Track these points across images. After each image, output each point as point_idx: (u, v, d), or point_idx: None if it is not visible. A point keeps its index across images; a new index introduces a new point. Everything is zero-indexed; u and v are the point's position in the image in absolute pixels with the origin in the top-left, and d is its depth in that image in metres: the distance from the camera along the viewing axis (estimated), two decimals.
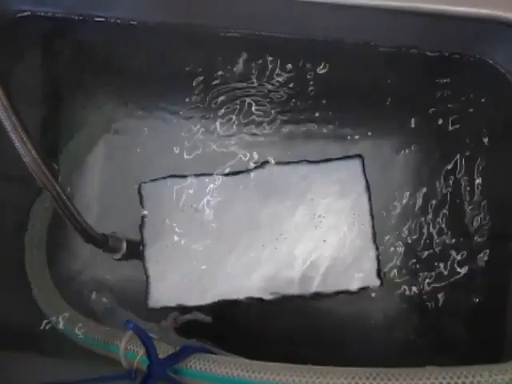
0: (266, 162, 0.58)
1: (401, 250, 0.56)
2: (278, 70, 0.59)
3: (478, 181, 0.56)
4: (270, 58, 0.59)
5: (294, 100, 0.59)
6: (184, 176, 0.58)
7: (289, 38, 0.56)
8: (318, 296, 0.55)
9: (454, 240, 0.55)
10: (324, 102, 0.59)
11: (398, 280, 0.55)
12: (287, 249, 0.56)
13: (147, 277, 0.57)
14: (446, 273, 0.55)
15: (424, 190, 0.57)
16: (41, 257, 0.59)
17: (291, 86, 0.59)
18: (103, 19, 0.57)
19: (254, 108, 0.59)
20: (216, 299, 0.55)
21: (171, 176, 0.59)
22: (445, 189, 0.56)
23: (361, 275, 0.55)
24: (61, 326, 0.54)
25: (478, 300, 0.54)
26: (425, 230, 0.56)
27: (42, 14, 0.58)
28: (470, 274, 0.55)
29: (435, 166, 0.57)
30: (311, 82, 0.59)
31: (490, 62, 0.54)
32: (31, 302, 0.56)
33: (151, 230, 0.58)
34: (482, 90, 0.57)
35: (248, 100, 0.59)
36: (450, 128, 0.57)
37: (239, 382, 0.40)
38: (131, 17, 0.57)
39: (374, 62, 0.57)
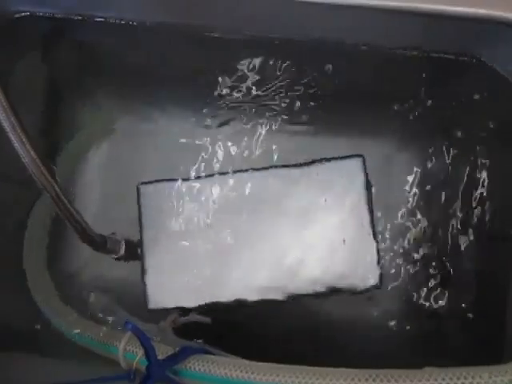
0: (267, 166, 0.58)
1: (401, 250, 0.56)
2: (277, 71, 0.59)
3: (478, 181, 0.55)
4: (270, 59, 0.59)
5: (294, 100, 0.59)
6: (184, 177, 0.58)
7: (289, 38, 0.56)
8: (317, 296, 0.55)
9: (454, 240, 0.55)
10: (325, 102, 0.59)
11: (397, 280, 0.55)
12: (287, 249, 0.56)
13: (146, 278, 0.57)
14: (445, 273, 0.55)
15: (424, 190, 0.57)
16: (40, 257, 0.59)
17: (291, 86, 0.59)
18: (103, 19, 0.57)
19: (254, 108, 0.59)
20: (215, 300, 0.55)
21: (171, 177, 0.59)
22: (445, 189, 0.56)
23: (361, 275, 0.55)
24: (60, 326, 0.54)
25: (477, 301, 0.54)
26: (425, 230, 0.56)
27: (42, 14, 0.58)
28: (470, 274, 0.55)
29: (435, 166, 0.57)
30: (312, 83, 0.59)
31: (490, 62, 0.54)
32: (31, 302, 0.56)
33: (150, 231, 0.58)
34: (481, 91, 0.57)
35: (248, 100, 0.59)
36: (450, 128, 0.57)
37: (238, 382, 0.40)
38: (131, 17, 0.57)
39: (374, 62, 0.57)
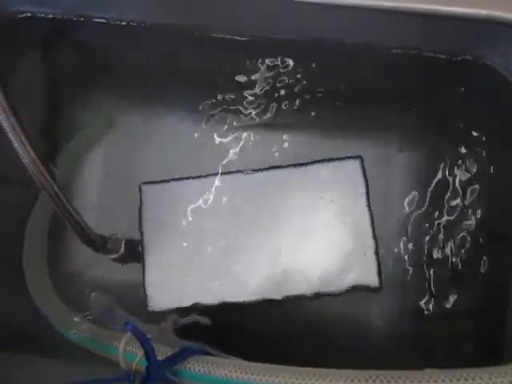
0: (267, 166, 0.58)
1: (400, 250, 0.56)
2: (277, 71, 0.59)
3: (479, 181, 0.55)
4: (270, 59, 0.59)
5: (293, 100, 0.59)
6: (184, 177, 0.58)
7: (289, 38, 0.56)
8: (317, 296, 0.55)
9: (454, 240, 0.55)
10: (324, 102, 0.59)
11: (397, 280, 0.55)
12: (287, 249, 0.56)
13: (146, 278, 0.57)
14: (445, 273, 0.55)
15: (424, 190, 0.57)
16: (40, 257, 0.59)
17: (291, 86, 0.59)
18: (103, 20, 0.57)
19: (254, 108, 0.59)
20: (215, 301, 0.55)
21: (172, 177, 0.59)
22: (445, 189, 0.56)
23: (360, 275, 0.55)
24: (60, 326, 0.54)
25: (477, 301, 0.54)
26: (424, 231, 0.56)
27: (42, 14, 0.58)
28: (470, 274, 0.54)
29: (435, 166, 0.57)
30: (311, 83, 0.59)
31: (490, 62, 0.54)
32: (31, 302, 0.56)
33: (151, 231, 0.58)
34: (481, 91, 0.57)
35: (248, 100, 0.59)
36: (450, 128, 0.57)
37: (238, 383, 0.40)
38: (131, 17, 0.57)
39: (373, 62, 0.57)
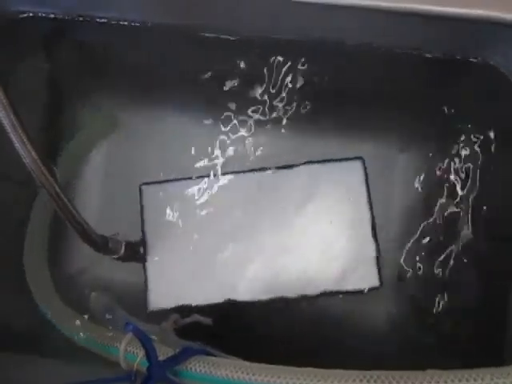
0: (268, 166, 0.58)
1: (401, 251, 0.56)
2: (277, 71, 0.59)
3: (479, 181, 0.55)
4: (270, 59, 0.59)
5: (294, 101, 0.59)
6: (185, 177, 0.58)
7: (288, 39, 0.56)
8: (318, 297, 0.55)
9: (454, 241, 0.55)
10: (325, 103, 0.59)
11: (398, 281, 0.55)
12: (288, 250, 0.56)
13: (148, 278, 0.57)
14: (446, 274, 0.55)
15: (424, 190, 0.56)
16: (40, 257, 0.59)
17: (291, 87, 0.59)
18: (103, 20, 0.57)
19: (254, 109, 0.59)
20: (216, 301, 0.55)
21: (172, 178, 0.59)
22: (445, 189, 0.56)
23: (361, 276, 0.55)
24: (60, 326, 0.54)
25: (478, 302, 0.54)
26: (425, 231, 0.56)
27: (42, 14, 0.58)
28: (471, 275, 0.54)
29: (435, 166, 0.57)
30: (311, 84, 0.59)
31: (490, 62, 0.54)
32: (31, 302, 0.56)
33: (151, 231, 0.58)
34: (482, 91, 0.57)
35: (248, 101, 0.59)
36: (451, 129, 0.57)
37: None
38: (131, 17, 0.57)
39: (374, 63, 0.57)
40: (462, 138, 0.56)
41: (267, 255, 0.56)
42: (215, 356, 0.45)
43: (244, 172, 0.58)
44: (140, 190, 0.59)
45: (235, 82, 0.59)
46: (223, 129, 0.60)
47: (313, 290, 0.55)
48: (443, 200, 0.56)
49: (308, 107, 0.59)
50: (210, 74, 0.60)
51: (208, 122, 0.60)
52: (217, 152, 0.59)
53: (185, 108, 0.61)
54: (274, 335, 0.56)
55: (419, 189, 0.57)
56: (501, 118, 0.56)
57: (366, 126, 0.59)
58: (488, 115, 0.57)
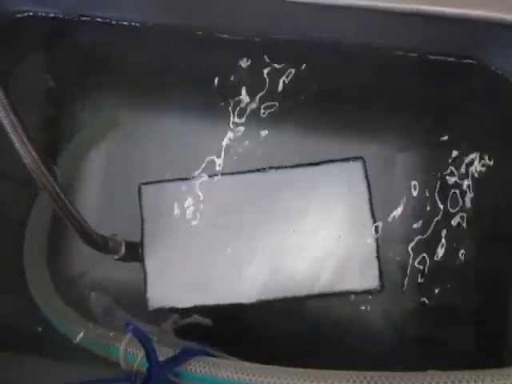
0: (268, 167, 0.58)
1: (402, 252, 0.56)
2: (276, 71, 0.59)
3: (479, 181, 0.55)
4: (269, 59, 0.59)
5: (294, 101, 0.59)
6: (185, 177, 0.58)
7: (288, 39, 0.56)
8: (318, 297, 0.55)
9: (454, 242, 0.55)
10: (325, 103, 0.59)
11: (398, 282, 0.55)
12: (288, 251, 0.56)
13: (147, 278, 0.56)
14: (446, 275, 0.55)
15: (425, 191, 0.56)
16: (40, 257, 0.59)
17: (291, 87, 0.59)
18: (103, 20, 0.57)
19: (254, 109, 0.59)
20: (216, 302, 0.55)
21: (171, 177, 0.58)
22: (446, 190, 0.56)
23: (362, 277, 0.55)
24: (60, 327, 0.54)
25: (478, 303, 0.54)
26: (426, 231, 0.56)
27: (42, 14, 0.58)
28: (471, 275, 0.54)
29: (436, 167, 0.57)
30: (312, 84, 0.59)
31: (490, 63, 0.54)
32: (31, 302, 0.56)
33: (151, 231, 0.58)
34: (481, 91, 0.57)
35: (248, 101, 0.59)
36: (451, 129, 0.57)
37: None
38: (131, 17, 0.57)
39: (374, 63, 0.57)
40: (462, 138, 0.56)
41: (267, 256, 0.56)
42: (215, 357, 0.45)
43: (244, 172, 0.58)
44: (139, 189, 0.59)
45: (235, 82, 0.59)
46: (223, 129, 0.60)
47: (313, 290, 0.55)
48: (444, 200, 0.56)
49: (308, 107, 0.59)
50: (209, 73, 0.60)
51: (208, 122, 0.60)
52: (217, 152, 0.59)
53: (185, 108, 0.61)
54: (274, 336, 0.56)
55: (419, 189, 0.57)
56: (500, 118, 0.56)
57: (365, 126, 0.59)
58: (488, 115, 0.57)
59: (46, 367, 0.53)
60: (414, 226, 0.56)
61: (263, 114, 0.59)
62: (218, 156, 0.59)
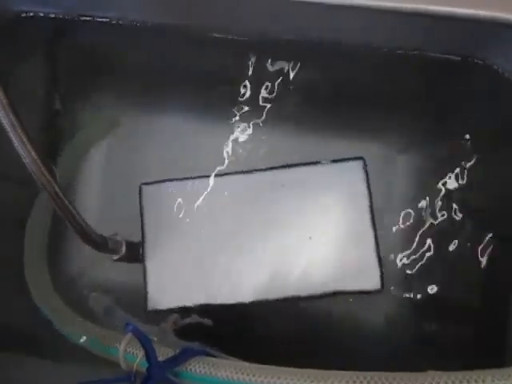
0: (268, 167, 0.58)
1: (402, 252, 0.55)
2: (277, 71, 0.59)
3: (480, 182, 0.55)
4: (269, 59, 0.59)
5: (294, 102, 0.59)
6: (185, 177, 0.58)
7: (288, 39, 0.56)
8: (318, 298, 0.55)
9: (455, 242, 0.55)
10: (325, 103, 0.59)
11: (399, 283, 0.55)
12: (288, 251, 0.56)
13: (147, 278, 0.56)
14: (447, 276, 0.55)
15: (425, 191, 0.56)
16: (40, 257, 0.59)
17: (291, 87, 0.59)
18: (104, 20, 0.57)
19: (254, 109, 0.59)
20: (216, 302, 0.55)
21: (172, 177, 0.58)
22: (446, 190, 0.56)
23: (361, 277, 0.54)
24: (60, 327, 0.54)
25: (479, 303, 0.54)
26: (426, 231, 0.56)
27: (43, 14, 0.58)
28: (471, 275, 0.54)
29: (436, 167, 0.57)
30: (312, 84, 0.59)
31: (491, 62, 0.54)
32: (31, 302, 0.56)
33: (151, 231, 0.58)
34: (482, 91, 0.57)
35: (248, 101, 0.59)
36: (451, 130, 0.57)
37: None
38: (132, 17, 0.57)
39: (374, 63, 0.57)
40: (462, 137, 0.56)
41: (267, 256, 0.56)
42: (215, 357, 0.45)
43: (244, 173, 0.58)
44: (140, 189, 0.59)
45: (235, 82, 0.59)
46: (223, 129, 0.60)
47: (313, 290, 0.55)
48: (444, 201, 0.56)
49: (308, 107, 0.59)
50: (209, 73, 0.60)
51: (208, 122, 0.60)
52: (217, 152, 0.59)
53: (184, 108, 0.61)
54: (274, 336, 0.56)
55: (420, 189, 0.56)
56: (501, 118, 0.56)
57: (365, 126, 0.59)
58: (488, 115, 0.57)
59: (46, 367, 0.53)
60: (415, 225, 0.56)
61: (263, 113, 0.59)
62: (218, 156, 0.59)
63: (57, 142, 0.62)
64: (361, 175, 0.56)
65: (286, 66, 0.59)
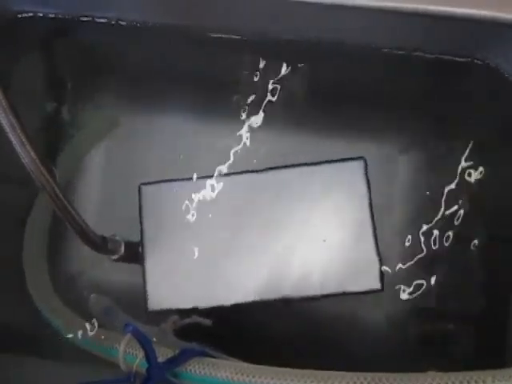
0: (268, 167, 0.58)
1: (402, 253, 0.55)
2: (276, 71, 0.59)
3: (480, 182, 0.55)
4: (269, 59, 0.59)
5: (295, 102, 0.59)
6: (185, 178, 0.58)
7: (288, 39, 0.56)
8: (318, 298, 0.55)
9: (455, 242, 0.55)
10: (326, 103, 0.59)
11: (399, 283, 0.55)
12: (288, 251, 0.56)
13: (147, 279, 0.56)
14: (447, 276, 0.55)
15: (426, 191, 0.56)
16: (40, 257, 0.59)
17: (292, 87, 0.59)
18: (103, 20, 0.57)
19: (254, 109, 0.59)
20: (216, 302, 0.55)
21: (172, 178, 0.58)
22: (446, 190, 0.56)
23: (362, 277, 0.54)
24: (60, 328, 0.54)
25: (479, 304, 0.54)
26: (426, 231, 0.56)
27: (43, 14, 0.58)
28: (472, 276, 0.54)
29: (436, 167, 0.57)
30: (312, 84, 0.58)
31: (491, 63, 0.54)
32: (31, 303, 0.56)
33: (151, 232, 0.57)
34: (483, 92, 0.57)
35: (248, 101, 0.59)
36: (452, 130, 0.57)
37: None
38: (131, 17, 0.57)
39: (375, 63, 0.57)
40: (462, 137, 0.56)
41: (267, 256, 0.56)
42: (215, 357, 0.45)
43: (244, 173, 0.58)
44: (139, 189, 0.59)
45: (235, 82, 0.59)
46: (223, 129, 0.60)
47: (313, 291, 0.55)
48: (444, 201, 0.56)
49: (308, 107, 0.59)
50: (209, 73, 0.60)
51: (208, 122, 0.60)
52: (217, 152, 0.59)
53: (184, 108, 0.61)
54: (274, 336, 0.56)
55: (420, 190, 0.56)
56: (501, 118, 0.56)
57: (366, 126, 0.59)
58: (488, 115, 0.56)
59: (46, 368, 0.53)
60: (415, 225, 0.56)
61: (263, 114, 0.59)
62: (218, 156, 0.59)
63: (57, 142, 0.62)
64: (361, 175, 0.56)
65: (285, 65, 0.59)
